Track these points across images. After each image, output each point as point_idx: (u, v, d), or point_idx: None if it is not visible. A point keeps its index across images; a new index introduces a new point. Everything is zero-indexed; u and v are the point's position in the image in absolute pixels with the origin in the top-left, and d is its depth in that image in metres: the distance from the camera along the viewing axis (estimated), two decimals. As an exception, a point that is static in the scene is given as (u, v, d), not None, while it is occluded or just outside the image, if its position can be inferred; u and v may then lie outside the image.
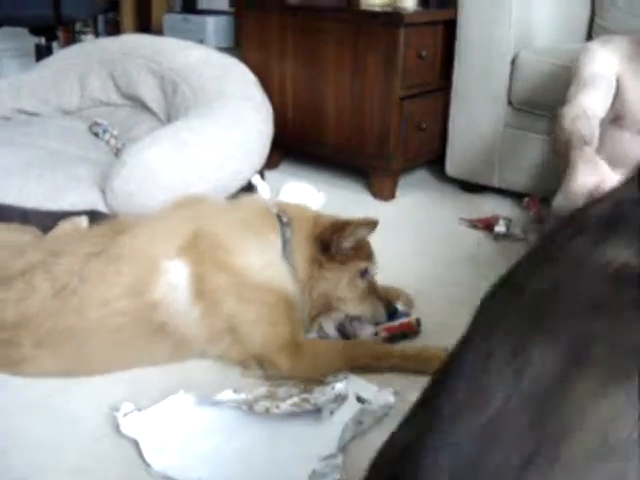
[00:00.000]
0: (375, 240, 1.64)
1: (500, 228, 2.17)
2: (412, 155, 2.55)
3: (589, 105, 1.80)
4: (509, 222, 2.20)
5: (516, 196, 2.46)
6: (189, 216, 1.49)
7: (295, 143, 2.67)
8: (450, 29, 2.48)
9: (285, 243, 1.47)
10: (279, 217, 1.50)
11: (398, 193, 2.56)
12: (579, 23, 2.66)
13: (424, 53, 2.41)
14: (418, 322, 1.62)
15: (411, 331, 1.60)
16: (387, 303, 1.55)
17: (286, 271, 1.47)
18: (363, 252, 1.52)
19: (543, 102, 2.29)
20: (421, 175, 2.78)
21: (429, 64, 2.48)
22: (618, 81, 1.90)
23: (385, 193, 2.52)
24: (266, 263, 1.44)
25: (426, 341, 1.58)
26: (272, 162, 2.66)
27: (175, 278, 1.39)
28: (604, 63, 1.91)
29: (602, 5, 2.61)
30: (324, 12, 2.54)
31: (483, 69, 2.40)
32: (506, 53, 2.35)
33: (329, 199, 2.33)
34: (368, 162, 2.51)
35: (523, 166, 2.42)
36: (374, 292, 1.55)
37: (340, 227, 1.48)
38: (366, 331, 1.57)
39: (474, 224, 2.26)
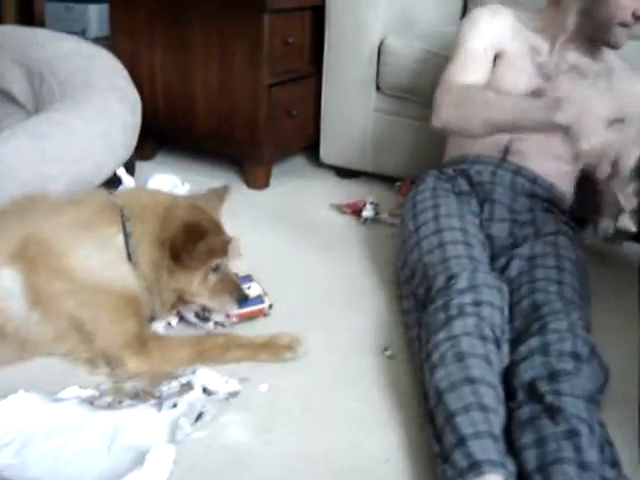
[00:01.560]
0: (246, 229, 1.70)
1: (368, 213, 2.19)
2: (284, 143, 2.54)
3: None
4: (377, 206, 2.22)
5: (390, 180, 2.48)
6: (21, 220, 1.43)
7: (167, 134, 2.62)
8: (319, 14, 2.47)
9: (127, 240, 1.43)
10: (122, 212, 1.45)
11: (272, 181, 2.55)
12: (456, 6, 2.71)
13: (291, 39, 2.39)
14: (270, 307, 1.64)
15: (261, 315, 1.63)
16: (238, 293, 1.53)
17: (128, 270, 1.43)
18: (217, 250, 1.49)
19: (412, 87, 2.32)
20: (297, 162, 2.77)
21: (298, 50, 2.47)
22: (501, 57, 1.86)
23: (258, 182, 2.50)
24: (106, 263, 1.40)
25: (281, 326, 1.57)
26: (146, 153, 2.61)
27: (8, 286, 1.35)
28: (489, 38, 1.85)
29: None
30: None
31: (352, 55, 2.42)
32: (374, 39, 2.37)
33: (203, 189, 2.29)
34: (240, 151, 2.49)
35: (395, 151, 2.44)
36: (226, 283, 1.53)
37: (193, 237, 1.43)
38: (219, 317, 1.57)
39: (343, 210, 2.27)
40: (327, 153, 2.60)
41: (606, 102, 1.66)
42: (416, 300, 1.52)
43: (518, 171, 1.76)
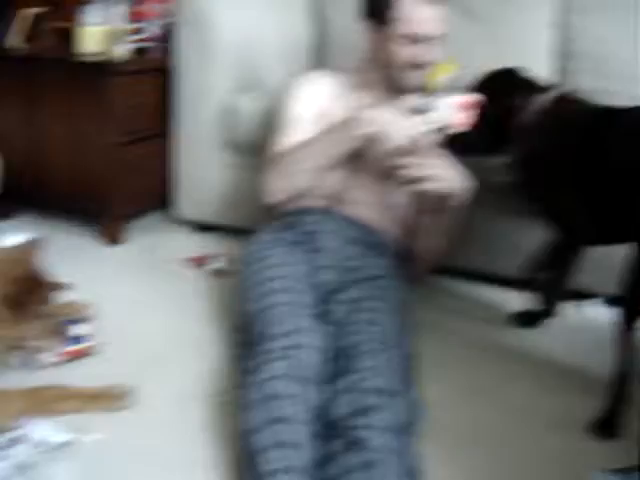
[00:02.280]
0: (99, 284, 1.86)
1: (214, 265, 2.26)
2: (139, 199, 2.59)
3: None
4: (224, 258, 2.29)
5: (242, 233, 2.55)
6: None
7: (24, 192, 2.63)
8: (168, 76, 2.56)
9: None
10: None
11: (129, 237, 2.59)
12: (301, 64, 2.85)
13: (140, 100, 2.47)
14: (97, 346, 1.73)
15: (87, 355, 1.71)
16: (64, 332, 1.59)
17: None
18: (43, 297, 1.53)
19: (258, 143, 2.41)
20: (154, 218, 2.82)
21: (147, 110, 2.54)
22: (324, 118, 1.95)
23: (114, 238, 2.54)
24: None
25: (119, 374, 1.62)
26: (3, 213, 2.61)
27: None
28: (308, 102, 1.98)
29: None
30: (42, 62, 2.52)
31: (200, 114, 2.51)
32: (220, 98, 2.46)
33: (60, 246, 2.32)
34: (94, 208, 2.53)
35: (246, 204, 2.53)
36: (53, 324, 1.57)
37: (23, 288, 1.49)
38: (46, 357, 1.64)
39: (193, 263, 2.33)
40: (182, 209, 2.67)
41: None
42: (248, 348, 1.59)
43: (348, 219, 1.87)
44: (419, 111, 1.75)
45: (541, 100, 1.80)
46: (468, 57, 2.40)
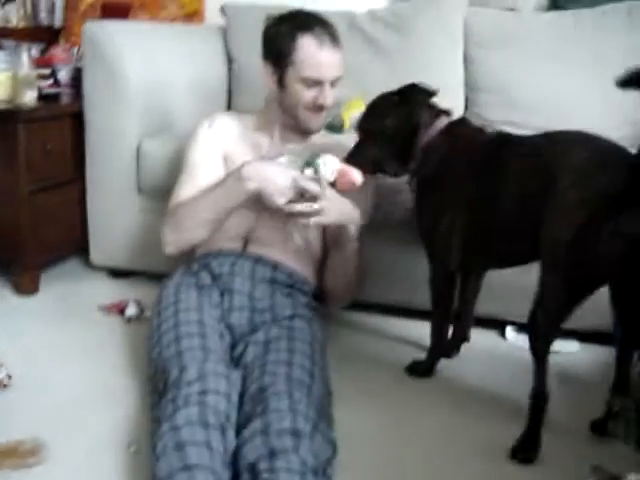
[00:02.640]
0: (11, 335, 1.88)
1: (130, 311, 2.23)
2: (52, 247, 2.54)
3: None
4: (139, 304, 2.26)
5: (158, 278, 2.52)
6: None
7: None
8: (79, 121, 2.53)
9: None
10: None
11: (43, 286, 2.53)
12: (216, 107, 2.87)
13: (50, 147, 2.43)
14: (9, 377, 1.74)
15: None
16: None
17: None
18: None
19: (169, 187, 2.39)
20: (68, 265, 2.77)
21: (58, 157, 2.51)
22: (228, 161, 1.99)
23: (27, 287, 2.48)
24: None
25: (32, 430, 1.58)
26: None
27: None
28: (210, 146, 1.99)
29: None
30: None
31: (112, 159, 2.48)
32: (131, 143, 2.45)
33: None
34: (5, 257, 2.47)
35: (160, 248, 2.49)
36: None
37: None
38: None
39: (109, 310, 2.29)
40: (97, 255, 2.62)
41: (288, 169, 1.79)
42: (159, 395, 1.57)
43: (258, 260, 1.87)
44: (305, 164, 1.78)
45: (438, 124, 1.84)
46: (377, 92, 2.47)
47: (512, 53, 2.70)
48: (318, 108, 1.92)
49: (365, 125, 1.92)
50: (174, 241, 1.90)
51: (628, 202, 1.44)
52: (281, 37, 1.90)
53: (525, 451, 1.60)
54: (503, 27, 2.75)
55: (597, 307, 1.67)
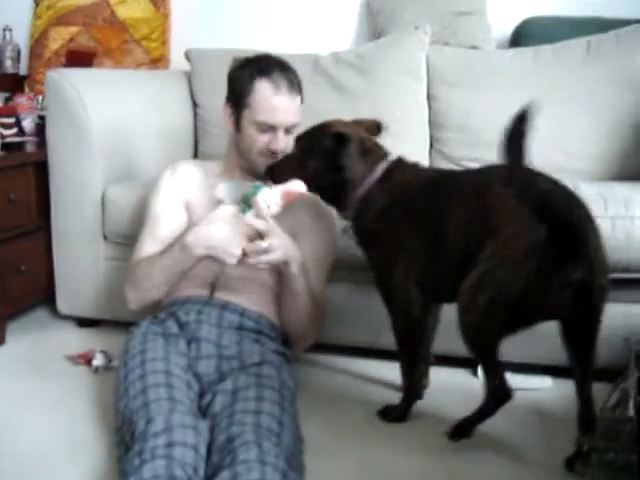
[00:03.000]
0: None
1: (97, 361, 2.19)
2: (17, 298, 2.51)
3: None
4: (107, 354, 2.22)
5: (127, 326, 2.49)
6: None
7: None
8: (44, 170, 2.51)
9: None
10: None
11: (9, 337, 2.49)
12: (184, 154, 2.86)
13: (14, 196, 2.41)
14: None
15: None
16: None
17: None
18: None
19: (135, 234, 2.36)
20: (35, 315, 2.73)
21: (23, 206, 2.49)
22: (189, 209, 2.00)
23: (-8, 340, 2.43)
24: None
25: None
26: None
27: None
28: (171, 195, 2.00)
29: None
30: None
31: (77, 207, 2.46)
32: (96, 190, 2.43)
33: None
34: (-32, 311, 2.42)
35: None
36: None
37: None
38: None
39: (76, 360, 2.25)
40: (64, 304, 2.59)
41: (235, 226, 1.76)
42: (126, 447, 1.53)
43: (225, 306, 1.85)
44: (245, 203, 1.74)
45: (375, 173, 1.82)
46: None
47: (474, 90, 2.73)
48: (271, 153, 1.92)
49: (298, 145, 1.89)
50: (135, 299, 1.94)
51: (573, 250, 1.45)
52: (240, 79, 1.93)
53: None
54: (466, 65, 2.78)
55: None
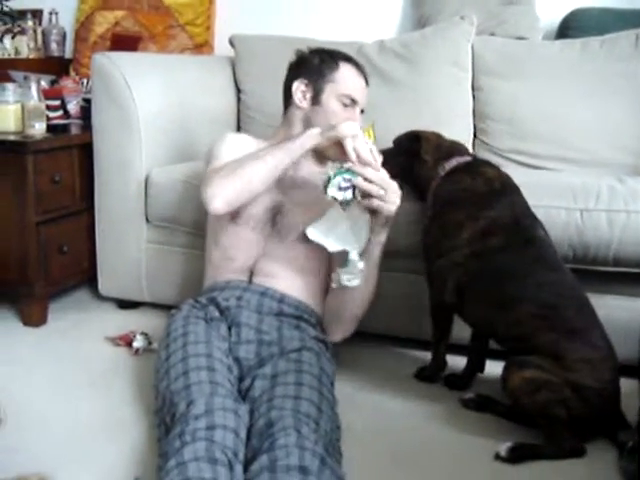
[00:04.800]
0: (18, 367, 1.92)
1: (137, 343, 2.21)
2: (59, 278, 2.53)
3: None
4: (147, 336, 2.24)
5: (167, 308, 2.51)
6: None
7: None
8: (87, 151, 2.54)
9: None
10: None
11: (50, 317, 2.53)
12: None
13: (58, 178, 2.43)
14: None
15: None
16: None
17: None
18: None
19: (178, 217, 2.40)
20: (77, 296, 2.77)
21: (67, 187, 2.51)
22: None
23: (34, 319, 2.47)
24: None
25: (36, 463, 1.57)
26: None
27: None
28: (236, 148, 1.96)
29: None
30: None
31: (121, 190, 2.48)
32: (139, 173, 2.45)
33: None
34: (12, 289, 2.47)
35: (169, 279, 2.50)
36: None
37: None
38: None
39: (116, 342, 2.28)
40: (105, 286, 2.62)
41: None
42: (166, 429, 1.55)
43: (265, 292, 1.86)
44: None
45: (444, 168, 1.86)
46: (386, 121, 2.48)
47: (520, 81, 2.70)
48: None
49: (393, 145, 2.04)
50: (225, 193, 1.75)
51: None
52: (321, 59, 2.01)
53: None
54: (511, 56, 2.75)
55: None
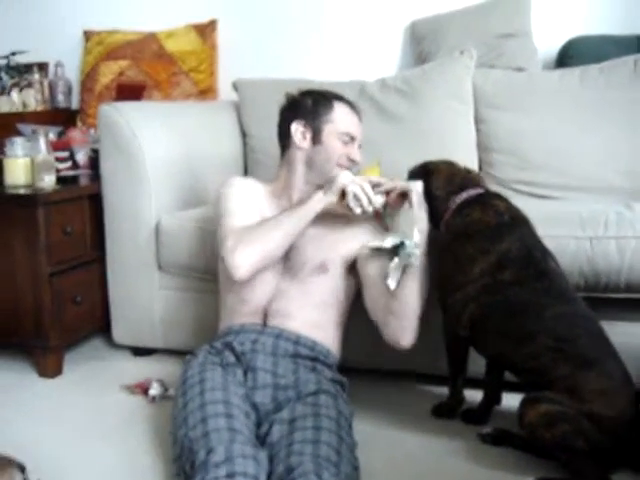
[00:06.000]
0: (35, 420, 1.91)
1: (154, 391, 2.22)
2: (73, 328, 2.55)
3: None
4: (162, 383, 2.25)
5: (182, 354, 2.51)
6: None
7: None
8: (98, 202, 2.57)
9: None
10: None
11: (66, 367, 2.53)
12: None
13: (70, 229, 2.46)
14: None
15: None
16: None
17: None
18: None
19: (189, 263, 2.42)
20: (92, 345, 2.78)
21: (78, 238, 2.54)
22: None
23: (49, 370, 2.48)
24: None
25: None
26: None
27: None
28: (244, 196, 2.04)
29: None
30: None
31: (132, 238, 2.51)
32: (150, 221, 2.47)
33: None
34: (26, 341, 2.48)
35: (183, 325, 2.51)
36: None
37: None
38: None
39: (133, 390, 2.28)
40: (119, 334, 2.63)
41: None
42: (185, 477, 1.55)
43: (280, 335, 1.86)
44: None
45: (455, 200, 1.87)
46: (391, 157, 2.51)
47: (522, 112, 2.72)
48: (351, 162, 2.02)
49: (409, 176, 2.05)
50: (248, 260, 1.83)
51: None
52: (316, 100, 2.05)
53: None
54: (511, 87, 2.78)
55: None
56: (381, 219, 2.03)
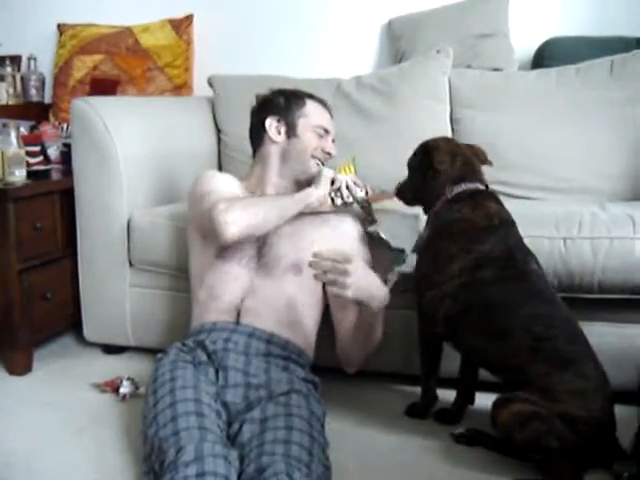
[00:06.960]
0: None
1: (124, 389, 2.19)
2: (42, 326, 2.51)
3: None
4: (133, 381, 2.22)
5: (153, 352, 2.48)
6: None
7: None
8: (69, 197, 2.53)
9: None
10: None
11: (36, 364, 2.50)
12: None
13: (40, 224, 2.42)
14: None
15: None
16: None
17: None
18: None
19: (161, 260, 2.39)
20: (62, 342, 2.74)
21: (49, 234, 2.49)
22: None
23: (18, 367, 2.44)
24: None
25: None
26: None
27: None
28: (227, 180, 2.09)
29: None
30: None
31: (103, 234, 2.47)
32: (121, 217, 2.44)
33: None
34: (-5, 339, 2.43)
35: (154, 323, 2.48)
36: None
37: None
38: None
39: (103, 388, 2.25)
40: (90, 331, 2.59)
41: None
42: (155, 476, 1.52)
43: (252, 334, 1.84)
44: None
45: (450, 191, 1.85)
46: (366, 155, 2.50)
47: (498, 112, 2.72)
48: (326, 154, 2.08)
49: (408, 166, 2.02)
50: (240, 221, 1.82)
51: None
52: (288, 97, 2.10)
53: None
54: (488, 87, 2.78)
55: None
56: (367, 214, 2.04)
